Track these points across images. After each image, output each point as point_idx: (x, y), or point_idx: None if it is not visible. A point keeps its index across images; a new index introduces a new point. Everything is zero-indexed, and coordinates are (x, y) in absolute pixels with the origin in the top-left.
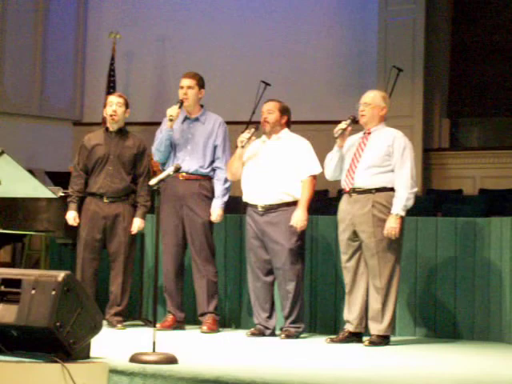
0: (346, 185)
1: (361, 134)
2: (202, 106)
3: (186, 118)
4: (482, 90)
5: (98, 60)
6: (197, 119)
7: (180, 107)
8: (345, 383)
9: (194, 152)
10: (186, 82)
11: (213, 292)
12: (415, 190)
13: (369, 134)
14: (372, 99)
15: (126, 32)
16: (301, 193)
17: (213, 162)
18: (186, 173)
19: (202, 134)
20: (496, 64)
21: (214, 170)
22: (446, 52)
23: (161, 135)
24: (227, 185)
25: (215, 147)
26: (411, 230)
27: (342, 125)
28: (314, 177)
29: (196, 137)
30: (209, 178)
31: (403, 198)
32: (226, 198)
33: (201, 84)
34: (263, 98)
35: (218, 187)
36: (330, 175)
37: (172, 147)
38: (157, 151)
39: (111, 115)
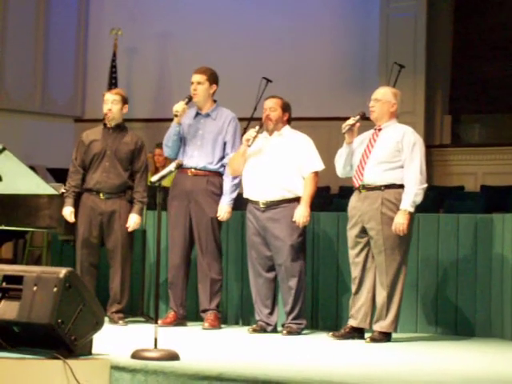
0: (355, 181)
1: (372, 131)
2: (215, 101)
3: (197, 114)
4: (484, 87)
5: (99, 56)
6: (208, 115)
7: (187, 103)
8: (347, 379)
9: (203, 148)
10: (195, 77)
11: (216, 289)
12: (425, 185)
13: (379, 130)
14: (382, 95)
15: (128, 28)
16: (303, 189)
17: (222, 158)
18: (195, 168)
19: (213, 129)
20: (498, 60)
21: (223, 166)
22: (448, 48)
23: (169, 130)
24: (236, 181)
25: (225, 143)
26: (413, 227)
27: (351, 121)
28: (316, 174)
29: (206, 132)
30: (218, 174)
31: (412, 193)
32: (234, 195)
33: (212, 79)
34: (265, 94)
35: (227, 184)
36: (340, 172)
37: (182, 142)
38: (165, 146)
39: (106, 113)
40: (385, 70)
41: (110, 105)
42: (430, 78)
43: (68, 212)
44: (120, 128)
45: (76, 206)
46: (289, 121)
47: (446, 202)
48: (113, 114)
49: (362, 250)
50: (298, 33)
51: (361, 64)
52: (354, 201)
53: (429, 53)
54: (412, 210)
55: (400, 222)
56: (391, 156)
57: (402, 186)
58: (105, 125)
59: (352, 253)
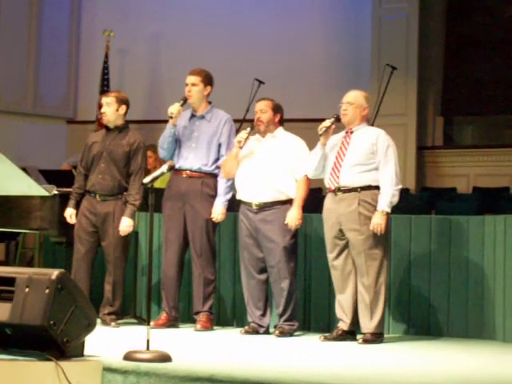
0: (330, 183)
1: (343, 133)
2: (209, 102)
3: (192, 116)
4: (476, 88)
5: (91, 58)
6: (202, 117)
7: (182, 105)
8: (339, 381)
9: (198, 150)
10: (190, 79)
11: (209, 292)
12: (400, 186)
13: (351, 132)
14: (355, 99)
15: (120, 29)
16: (296, 192)
17: (217, 159)
18: (190, 170)
19: (207, 131)
20: (490, 62)
21: (218, 167)
22: (440, 50)
23: (164, 132)
24: (230, 183)
25: (220, 145)
26: (405, 228)
27: (326, 123)
28: None
29: (201, 134)
30: (213, 176)
31: (389, 194)
32: (228, 196)
33: (207, 81)
34: (257, 95)
35: (221, 185)
36: (311, 173)
37: (177, 144)
38: (160, 148)
39: (100, 118)
40: (377, 71)
41: (104, 107)
42: (422, 80)
43: (68, 214)
44: (119, 129)
45: (78, 207)
46: (281, 122)
47: (438, 204)
48: (107, 116)
49: (340, 252)
50: (291, 34)
51: (353, 65)
52: (328, 203)
53: (421, 54)
54: (389, 210)
55: (378, 222)
56: (366, 158)
57: (377, 188)
58: (107, 127)
59: (330, 256)
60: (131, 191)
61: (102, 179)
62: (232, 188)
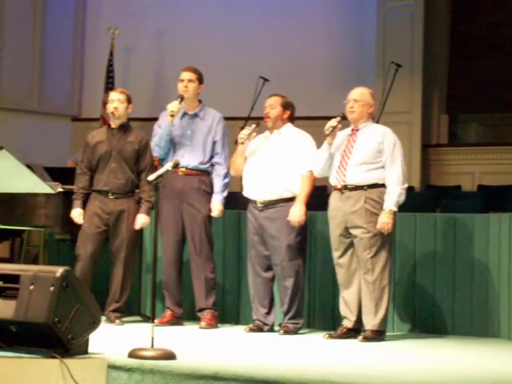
0: (336, 182)
1: (348, 131)
2: (200, 101)
3: (184, 114)
4: (481, 86)
5: (96, 55)
6: (196, 115)
7: (180, 102)
8: (343, 379)
9: (194, 148)
10: (186, 75)
11: (211, 287)
12: (406, 185)
13: (357, 130)
14: (361, 96)
15: (125, 27)
16: (300, 187)
17: (212, 157)
18: (186, 168)
19: (202, 129)
20: (495, 60)
21: (212, 165)
22: (445, 48)
23: (161, 131)
24: (226, 180)
25: (214, 143)
26: (410, 226)
27: (333, 122)
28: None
29: (195, 133)
30: (208, 174)
31: (396, 193)
32: (225, 194)
33: (200, 79)
34: (262, 93)
35: (218, 183)
36: (318, 172)
37: (171, 143)
38: (157, 147)
39: (112, 112)
40: (382, 69)
41: (116, 103)
42: (427, 78)
43: (77, 214)
44: (124, 128)
45: (84, 207)
46: (291, 119)
47: (443, 202)
48: (119, 112)
49: (345, 251)
50: (295, 32)
51: (357, 63)
52: (334, 202)
53: (426, 52)
54: (396, 209)
55: (386, 221)
56: (372, 157)
57: (384, 186)
58: (109, 125)
59: (336, 254)
60: (144, 188)
61: (114, 178)
62: (228, 186)
